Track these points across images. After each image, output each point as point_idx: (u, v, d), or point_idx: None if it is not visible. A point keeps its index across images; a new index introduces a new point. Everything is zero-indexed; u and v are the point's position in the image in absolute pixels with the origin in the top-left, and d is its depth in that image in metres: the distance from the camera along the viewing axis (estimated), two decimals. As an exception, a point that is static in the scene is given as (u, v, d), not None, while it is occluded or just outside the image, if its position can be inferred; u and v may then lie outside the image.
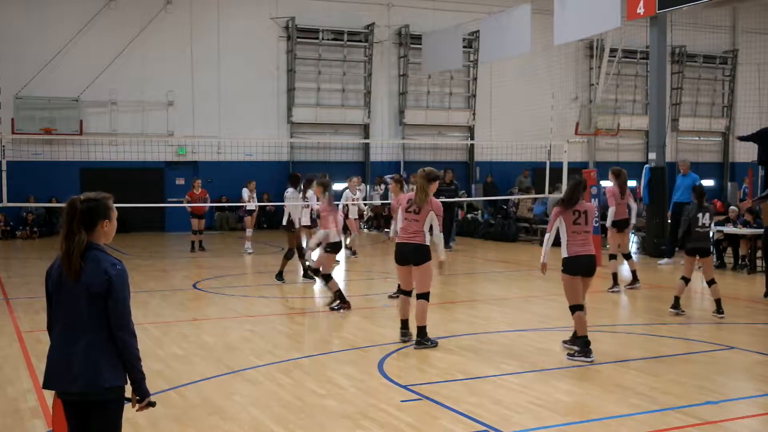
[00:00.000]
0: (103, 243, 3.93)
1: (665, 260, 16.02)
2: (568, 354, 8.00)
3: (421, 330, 8.42)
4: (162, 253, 18.62)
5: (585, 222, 8.00)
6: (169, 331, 9.31)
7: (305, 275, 13.63)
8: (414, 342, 8.47)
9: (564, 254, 7.95)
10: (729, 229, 14.86)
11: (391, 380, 7.14)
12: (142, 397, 3.91)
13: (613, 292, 12.26)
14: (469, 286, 13.65)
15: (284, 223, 13.93)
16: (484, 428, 5.83)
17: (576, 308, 7.98)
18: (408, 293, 8.68)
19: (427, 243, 8.41)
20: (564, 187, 18.63)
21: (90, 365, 3.79)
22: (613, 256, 12.58)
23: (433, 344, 8.40)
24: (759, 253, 14.71)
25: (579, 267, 7.93)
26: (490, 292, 12.89)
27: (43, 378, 3.94)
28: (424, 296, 8.41)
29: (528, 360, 7.89)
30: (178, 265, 16.25)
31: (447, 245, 19.61)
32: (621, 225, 12.60)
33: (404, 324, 8.73)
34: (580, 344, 7.92)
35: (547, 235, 8.16)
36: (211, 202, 19.22)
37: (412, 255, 8.39)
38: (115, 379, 3.84)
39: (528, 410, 6.26)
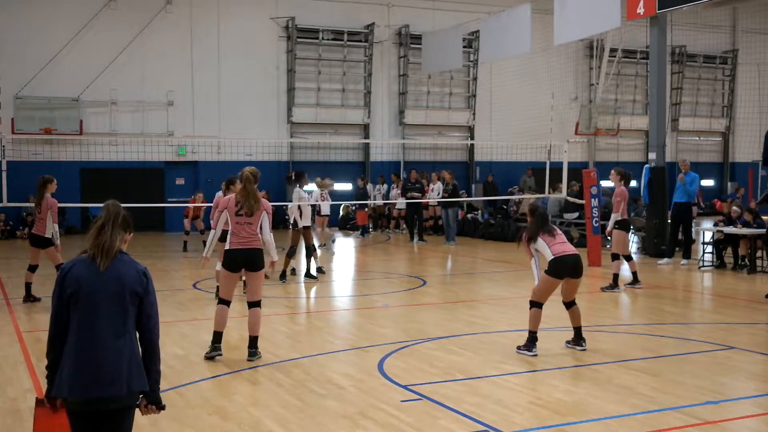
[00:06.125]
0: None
1: (665, 260, 16.02)
2: (517, 347, 8.16)
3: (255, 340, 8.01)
4: (162, 253, 18.61)
5: (557, 230, 8.26)
6: (169, 331, 9.30)
7: (307, 274, 13.66)
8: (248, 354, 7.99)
9: (549, 257, 8.00)
10: (729, 229, 14.85)
11: (391, 380, 7.14)
12: (156, 404, 3.89)
13: (612, 291, 12.26)
14: (469, 286, 13.65)
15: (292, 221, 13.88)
16: (485, 428, 5.83)
17: (536, 305, 8.10)
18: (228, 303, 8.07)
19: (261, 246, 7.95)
20: (564, 187, 18.65)
21: (123, 370, 3.73)
22: (616, 257, 12.58)
23: (259, 356, 7.96)
24: (759, 253, 14.72)
25: (565, 268, 7.99)
26: (490, 292, 12.89)
27: (67, 385, 3.73)
28: (258, 304, 7.97)
29: (528, 360, 7.89)
30: (177, 265, 16.26)
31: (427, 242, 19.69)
32: (626, 225, 12.66)
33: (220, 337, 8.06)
34: (528, 338, 8.11)
35: (532, 262, 8.20)
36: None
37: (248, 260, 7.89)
38: (140, 384, 3.80)
39: (528, 410, 6.26)
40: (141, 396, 3.86)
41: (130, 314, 3.79)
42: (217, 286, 11.14)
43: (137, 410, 3.92)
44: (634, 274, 12.71)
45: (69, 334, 3.78)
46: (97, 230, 3.89)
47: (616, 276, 12.43)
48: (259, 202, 7.89)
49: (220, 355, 8.01)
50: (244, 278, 9.14)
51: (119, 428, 3.80)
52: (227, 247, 7.97)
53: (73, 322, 3.77)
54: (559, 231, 8.27)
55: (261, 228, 7.95)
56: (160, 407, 3.91)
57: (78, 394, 3.71)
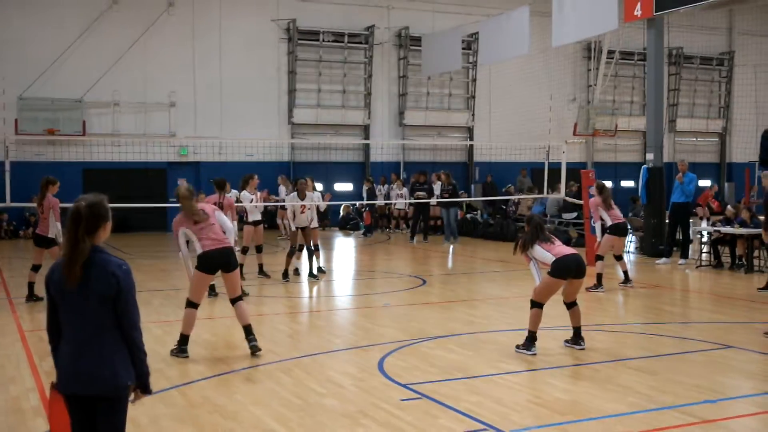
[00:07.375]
0: (102, 242, 3.96)
1: (663, 260, 16.09)
2: (516, 346, 8.24)
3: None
4: (164, 253, 18.65)
5: (554, 237, 8.35)
6: (170, 331, 9.35)
7: (310, 274, 13.72)
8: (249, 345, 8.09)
9: (551, 260, 8.02)
10: (726, 228, 14.93)
11: (391, 379, 7.20)
12: (145, 391, 4.01)
13: (596, 291, 12.33)
14: (468, 286, 13.71)
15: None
16: (484, 427, 5.88)
17: (537, 305, 8.14)
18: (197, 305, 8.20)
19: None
20: (562, 187, 18.72)
21: (107, 366, 3.84)
22: (599, 257, 12.68)
23: (259, 349, 8.05)
24: (756, 253, 14.79)
25: (569, 268, 8.01)
26: (490, 292, 12.96)
27: (58, 382, 3.93)
28: (240, 298, 8.16)
29: (527, 359, 7.95)
30: (179, 265, 16.24)
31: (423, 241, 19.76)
32: (619, 229, 12.70)
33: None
34: (527, 338, 8.17)
35: (530, 264, 8.26)
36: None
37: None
38: (129, 376, 3.91)
39: (527, 409, 6.32)
40: (131, 385, 3.97)
41: (106, 316, 3.86)
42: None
43: (142, 396, 4.06)
44: (625, 273, 12.86)
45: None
46: (65, 245, 3.84)
47: (599, 276, 12.53)
48: (204, 207, 8.38)
49: (187, 357, 8.05)
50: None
51: (112, 416, 3.93)
52: (201, 251, 8.05)
53: (59, 324, 3.95)
54: (556, 238, 8.33)
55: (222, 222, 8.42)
56: (147, 392, 4.03)
57: (64, 390, 3.90)
